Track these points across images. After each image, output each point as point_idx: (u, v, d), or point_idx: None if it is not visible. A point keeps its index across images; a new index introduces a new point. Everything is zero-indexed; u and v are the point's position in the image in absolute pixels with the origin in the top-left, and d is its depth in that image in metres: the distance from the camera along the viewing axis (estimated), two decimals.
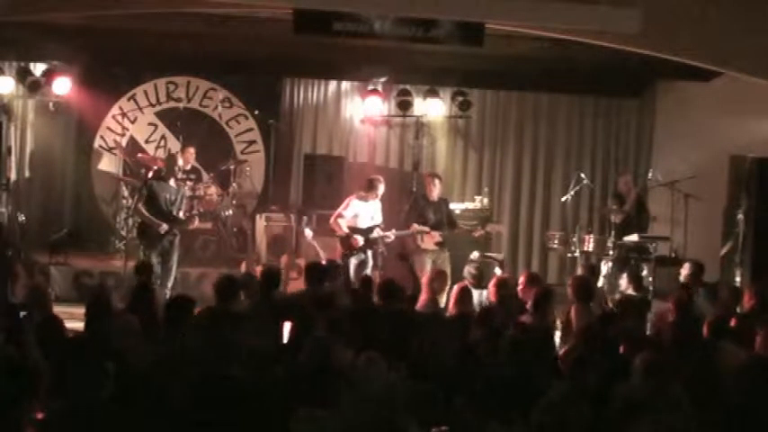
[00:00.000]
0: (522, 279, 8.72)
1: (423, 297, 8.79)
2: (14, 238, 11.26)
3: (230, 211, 11.71)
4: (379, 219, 10.92)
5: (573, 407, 5.10)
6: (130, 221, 11.71)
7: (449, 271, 10.26)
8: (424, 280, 9.12)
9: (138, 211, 10.26)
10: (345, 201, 10.97)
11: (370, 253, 10.77)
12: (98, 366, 4.99)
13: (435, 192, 11.21)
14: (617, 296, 9.34)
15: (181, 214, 10.40)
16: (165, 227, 10.06)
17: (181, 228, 10.35)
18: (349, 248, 10.65)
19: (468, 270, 9.27)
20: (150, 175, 10.71)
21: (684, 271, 9.72)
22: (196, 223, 10.74)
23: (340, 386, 5.33)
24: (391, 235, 10.89)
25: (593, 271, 9.86)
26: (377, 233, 10.77)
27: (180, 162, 10.95)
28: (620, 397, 5.60)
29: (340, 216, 10.77)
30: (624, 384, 5.80)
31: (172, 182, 10.38)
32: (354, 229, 10.72)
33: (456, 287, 8.44)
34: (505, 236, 13.26)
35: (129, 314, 6.70)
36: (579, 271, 9.69)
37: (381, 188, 10.92)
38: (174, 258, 10.21)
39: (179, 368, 5.86)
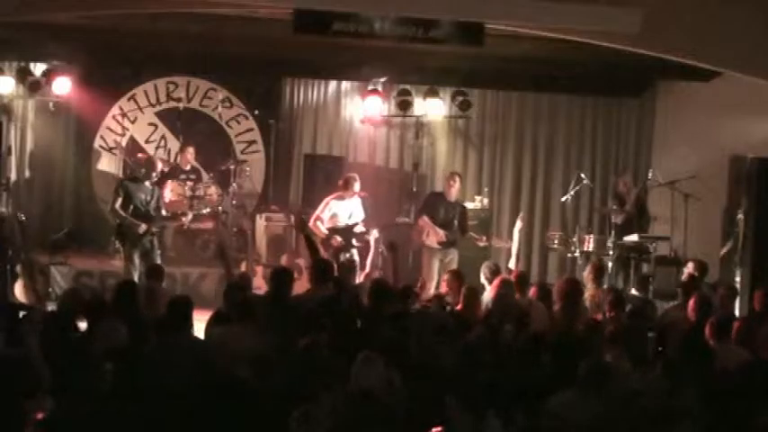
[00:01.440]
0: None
1: (444, 290, 8.85)
2: (14, 238, 11.24)
3: (208, 209, 11.77)
4: (359, 216, 10.96)
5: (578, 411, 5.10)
6: None
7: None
8: (444, 277, 9.15)
9: (116, 212, 10.26)
10: (323, 202, 10.99)
11: (354, 252, 10.78)
12: (98, 366, 4.99)
13: (453, 191, 11.24)
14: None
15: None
16: (143, 227, 10.10)
17: (160, 226, 10.44)
18: (332, 250, 10.66)
19: (488, 265, 9.28)
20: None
21: (688, 271, 9.69)
22: (181, 222, 10.77)
23: (335, 386, 5.33)
24: (375, 232, 10.94)
25: (601, 271, 9.74)
26: (358, 230, 10.81)
27: (159, 166, 10.96)
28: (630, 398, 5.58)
29: (318, 219, 10.82)
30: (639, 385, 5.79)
31: (147, 183, 10.39)
32: (334, 230, 10.75)
33: (463, 288, 8.38)
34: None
35: (114, 317, 6.69)
36: (588, 269, 9.56)
37: (357, 185, 10.99)
38: (157, 258, 10.25)
39: (181, 369, 5.87)
